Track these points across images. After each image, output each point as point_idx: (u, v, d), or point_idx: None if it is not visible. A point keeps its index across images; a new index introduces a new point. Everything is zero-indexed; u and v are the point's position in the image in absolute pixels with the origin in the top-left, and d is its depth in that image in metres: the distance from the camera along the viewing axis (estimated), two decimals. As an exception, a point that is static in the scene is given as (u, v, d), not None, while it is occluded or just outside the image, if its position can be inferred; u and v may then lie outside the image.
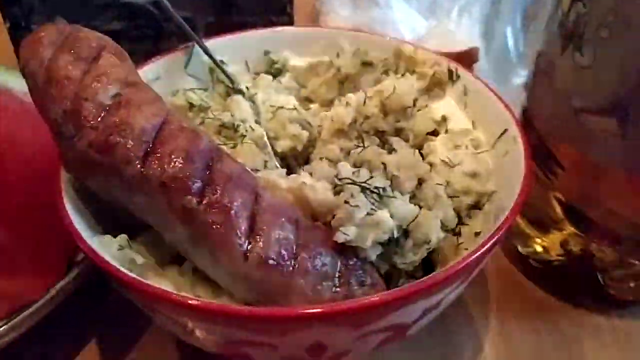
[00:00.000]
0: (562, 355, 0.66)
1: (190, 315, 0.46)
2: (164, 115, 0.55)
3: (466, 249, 0.56)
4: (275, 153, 0.68)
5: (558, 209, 0.71)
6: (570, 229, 0.71)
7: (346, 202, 0.53)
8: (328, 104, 0.77)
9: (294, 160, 0.71)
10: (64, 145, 0.54)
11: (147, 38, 0.95)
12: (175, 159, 0.51)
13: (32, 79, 0.56)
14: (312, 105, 0.77)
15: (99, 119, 0.53)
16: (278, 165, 0.66)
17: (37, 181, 0.67)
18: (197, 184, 0.51)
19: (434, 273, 0.47)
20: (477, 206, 0.62)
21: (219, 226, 0.50)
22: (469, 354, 0.66)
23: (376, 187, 0.54)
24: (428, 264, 0.57)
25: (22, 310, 0.61)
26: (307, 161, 0.70)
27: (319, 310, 0.44)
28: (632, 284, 0.70)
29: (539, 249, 0.75)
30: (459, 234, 0.58)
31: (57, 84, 0.54)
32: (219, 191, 0.51)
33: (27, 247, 0.65)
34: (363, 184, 0.54)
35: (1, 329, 0.59)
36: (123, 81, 0.56)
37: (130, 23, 0.94)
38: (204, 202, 0.51)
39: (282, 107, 0.70)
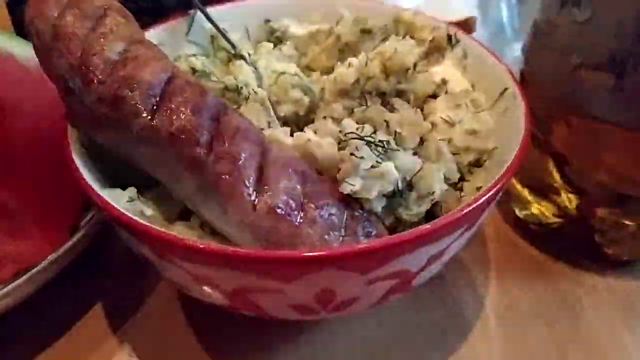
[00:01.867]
0: (562, 313, 0.67)
1: (201, 261, 0.47)
2: (170, 70, 0.55)
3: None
4: (278, 117, 0.69)
5: (555, 173, 0.72)
6: (567, 192, 0.72)
7: (351, 154, 0.53)
8: (328, 71, 0.77)
9: (295, 126, 0.71)
10: (72, 100, 0.54)
11: (145, 12, 0.95)
12: (183, 111, 0.52)
13: (37, 37, 0.57)
14: (312, 74, 0.78)
15: (107, 74, 0.53)
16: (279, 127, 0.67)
17: (42, 146, 0.68)
18: (205, 135, 0.52)
19: (436, 219, 0.48)
20: (477, 164, 0.63)
21: (227, 176, 0.51)
22: (471, 313, 0.67)
23: (380, 141, 0.55)
24: (431, 217, 0.58)
25: (26, 271, 0.62)
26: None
27: (327, 252, 0.45)
28: (628, 244, 0.71)
29: (535, 211, 0.76)
30: (461, 189, 0.59)
31: (64, 39, 0.55)
32: (227, 142, 0.52)
33: (33, 210, 0.65)
34: (367, 138, 0.55)
35: (6, 289, 0.59)
36: (129, 38, 0.57)
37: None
38: (212, 152, 0.51)
39: (284, 73, 0.70)
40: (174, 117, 0.52)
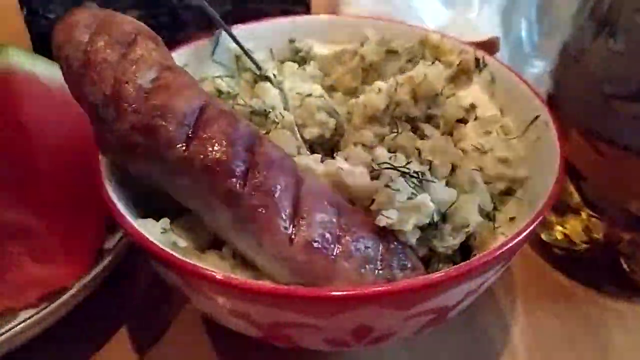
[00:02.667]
0: (589, 339, 0.67)
1: (239, 297, 0.46)
2: (203, 98, 0.55)
3: (503, 233, 0.57)
4: (303, 141, 0.69)
5: (576, 195, 0.72)
6: (587, 213, 0.72)
7: (387, 185, 0.53)
8: (352, 92, 0.77)
9: (319, 148, 0.71)
10: (104, 128, 0.54)
11: (163, 27, 0.94)
12: (217, 142, 0.52)
13: (67, 63, 0.56)
14: (335, 94, 0.77)
15: (140, 103, 0.53)
16: (308, 152, 0.66)
17: (65, 167, 0.68)
18: (241, 167, 0.51)
19: (482, 253, 0.48)
20: (508, 192, 0.62)
21: (263, 209, 0.50)
22: (498, 338, 0.67)
23: (415, 172, 0.54)
24: (464, 248, 0.58)
25: (55, 296, 0.61)
26: (332, 149, 0.71)
27: (372, 290, 0.44)
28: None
29: (559, 236, 0.76)
30: (493, 219, 0.59)
31: (96, 67, 0.54)
32: (262, 174, 0.51)
33: (58, 234, 0.64)
34: (402, 168, 0.54)
35: (40, 314, 0.58)
36: (161, 65, 0.56)
37: (147, 11, 0.93)
38: (248, 185, 0.51)
39: (309, 95, 0.70)
40: (209, 149, 0.51)
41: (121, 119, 0.52)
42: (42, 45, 0.89)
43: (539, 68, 0.95)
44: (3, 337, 0.57)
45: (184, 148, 0.51)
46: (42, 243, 0.64)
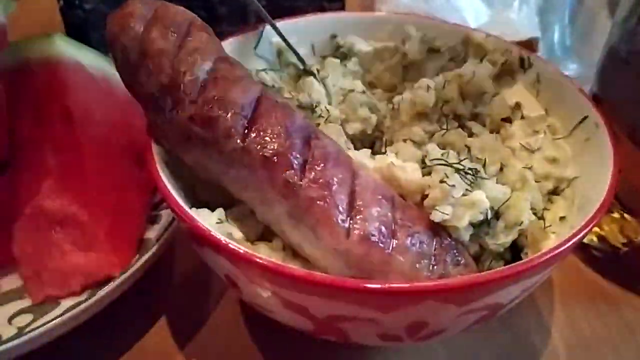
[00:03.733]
0: (628, 340, 0.67)
1: (301, 289, 0.46)
2: (258, 90, 0.55)
3: (554, 232, 0.56)
4: (346, 136, 0.69)
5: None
6: (620, 213, 0.72)
7: (442, 181, 0.53)
8: (391, 89, 0.77)
9: (360, 144, 0.71)
10: (161, 118, 0.54)
11: (199, 21, 0.94)
12: (275, 134, 0.52)
13: (122, 53, 0.56)
14: (375, 91, 0.77)
15: (198, 93, 0.53)
16: (352, 148, 0.66)
17: (110, 157, 0.68)
18: (299, 159, 0.51)
19: (543, 251, 0.47)
20: (555, 192, 0.62)
21: (321, 202, 0.50)
22: (538, 338, 0.67)
23: (470, 168, 0.54)
24: (513, 246, 0.58)
25: (98, 286, 0.61)
26: (372, 145, 0.71)
27: (441, 284, 0.44)
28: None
29: (594, 237, 0.75)
30: (542, 218, 0.59)
31: (153, 57, 0.54)
32: (320, 167, 0.51)
33: (103, 223, 0.64)
34: (457, 165, 0.54)
35: (86, 303, 0.58)
36: (216, 56, 0.56)
37: (183, 4, 0.93)
38: (306, 177, 0.51)
39: (352, 91, 0.70)
40: (267, 140, 0.51)
41: (179, 108, 0.52)
42: (77, 36, 0.89)
43: (572, 71, 0.95)
44: (45, 327, 0.57)
45: (241, 139, 0.51)
46: (86, 232, 0.64)
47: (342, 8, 0.94)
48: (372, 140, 0.71)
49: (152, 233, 0.68)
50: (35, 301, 0.62)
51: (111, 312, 0.61)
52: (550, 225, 0.57)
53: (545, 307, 0.71)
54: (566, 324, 0.69)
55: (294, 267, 0.47)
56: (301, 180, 0.51)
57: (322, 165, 0.52)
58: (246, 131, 0.52)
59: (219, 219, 0.53)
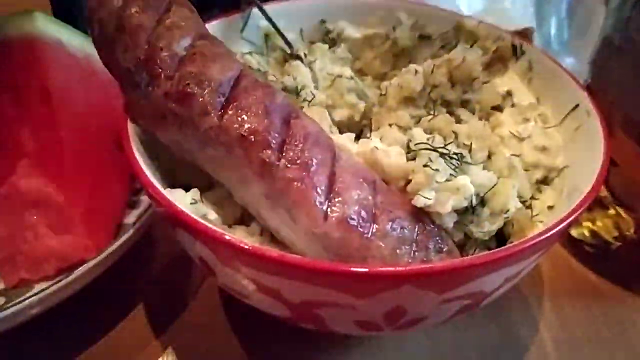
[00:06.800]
0: (617, 336, 0.65)
1: (274, 271, 0.45)
2: (238, 68, 0.53)
3: (541, 221, 0.55)
4: (332, 122, 0.67)
5: (604, 189, 0.70)
6: (615, 209, 0.70)
7: (425, 165, 0.51)
8: (381, 77, 0.75)
9: (347, 131, 0.69)
10: (136, 94, 0.52)
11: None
12: (253, 112, 0.50)
13: (99, 27, 0.54)
14: (364, 78, 0.75)
15: (175, 69, 0.51)
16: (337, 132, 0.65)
17: (89, 139, 0.66)
18: (277, 139, 0.49)
19: (526, 237, 0.46)
20: (544, 181, 0.60)
21: (298, 183, 0.48)
22: (525, 331, 0.65)
23: (455, 153, 0.53)
24: (499, 235, 0.56)
25: (73, 268, 0.60)
26: (361, 132, 0.69)
27: (417, 268, 0.43)
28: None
29: (587, 232, 0.74)
30: (530, 207, 0.57)
31: (130, 32, 0.52)
32: (298, 147, 0.50)
33: (79, 206, 0.63)
34: (442, 149, 0.52)
35: (56, 286, 0.57)
36: (196, 33, 0.54)
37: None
38: (284, 157, 0.49)
39: (340, 76, 0.68)
40: (244, 118, 0.50)
41: (155, 84, 0.51)
42: (65, 18, 0.87)
43: (568, 65, 0.92)
44: (16, 307, 0.55)
45: (217, 116, 0.50)
46: (62, 214, 0.62)
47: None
48: (360, 128, 0.69)
49: (131, 218, 0.66)
50: (9, 284, 0.61)
51: (87, 297, 0.60)
52: (537, 215, 0.55)
53: (534, 302, 0.69)
54: (555, 320, 0.67)
55: (266, 248, 0.45)
56: (279, 160, 0.49)
57: (300, 145, 0.50)
58: (223, 109, 0.50)
59: (193, 199, 0.51)
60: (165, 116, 0.51)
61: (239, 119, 0.50)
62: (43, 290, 0.57)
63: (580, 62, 0.92)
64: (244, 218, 0.56)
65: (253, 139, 0.49)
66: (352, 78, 0.69)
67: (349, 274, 0.42)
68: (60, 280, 0.58)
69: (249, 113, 0.50)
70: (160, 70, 0.51)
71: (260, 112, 0.50)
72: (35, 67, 0.65)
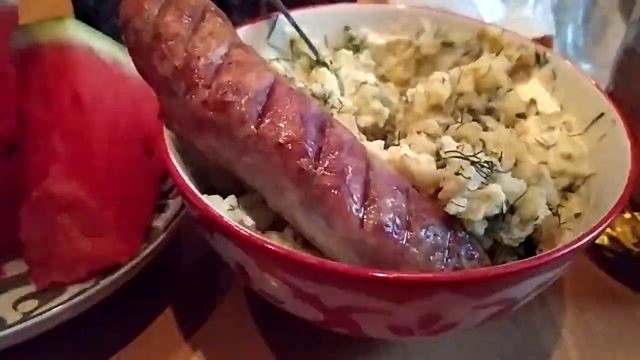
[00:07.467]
0: (638, 341, 0.66)
1: (313, 277, 0.45)
2: (273, 77, 0.54)
3: (569, 228, 0.56)
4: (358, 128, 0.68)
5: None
6: (632, 213, 0.71)
7: (457, 173, 0.52)
8: (403, 83, 0.76)
9: (372, 138, 0.70)
10: (173, 102, 0.53)
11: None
12: (290, 120, 0.51)
13: (135, 36, 0.55)
14: (387, 84, 0.76)
15: (212, 78, 0.52)
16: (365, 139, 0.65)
17: (119, 144, 0.67)
18: (314, 147, 0.50)
19: (561, 245, 0.47)
20: (569, 189, 0.61)
21: (335, 190, 0.49)
22: (548, 336, 0.66)
23: (486, 161, 0.53)
24: (527, 242, 0.57)
25: (105, 271, 0.60)
26: (384, 138, 0.70)
27: (456, 275, 0.44)
28: None
29: (606, 238, 0.75)
30: (557, 214, 0.58)
31: (167, 40, 0.53)
32: (334, 155, 0.51)
33: (110, 209, 0.63)
34: (473, 158, 0.53)
35: (91, 290, 0.58)
36: (231, 42, 0.55)
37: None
38: (320, 165, 0.50)
39: (365, 83, 0.69)
40: (281, 126, 0.51)
41: (192, 93, 0.52)
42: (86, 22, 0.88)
43: (584, 71, 0.94)
44: (51, 312, 0.56)
45: (255, 125, 0.51)
46: (94, 218, 0.63)
47: (354, 1, 0.93)
48: (383, 134, 0.70)
49: (159, 222, 0.67)
50: (41, 287, 0.62)
51: (117, 301, 0.61)
52: (565, 222, 0.56)
53: (556, 307, 0.70)
54: (577, 325, 0.68)
55: (306, 254, 0.46)
56: (315, 168, 0.50)
57: (336, 153, 0.51)
58: (260, 117, 0.51)
59: (231, 206, 0.52)
60: (202, 124, 0.52)
61: (276, 127, 0.50)
62: (76, 295, 0.58)
63: (596, 69, 0.93)
64: (276, 223, 0.56)
65: (290, 147, 0.50)
66: (376, 85, 0.70)
67: (387, 280, 0.43)
68: (94, 285, 0.59)
69: (285, 122, 0.51)
70: (197, 79, 0.52)
71: (296, 120, 0.51)
72: (66, 73, 0.66)
